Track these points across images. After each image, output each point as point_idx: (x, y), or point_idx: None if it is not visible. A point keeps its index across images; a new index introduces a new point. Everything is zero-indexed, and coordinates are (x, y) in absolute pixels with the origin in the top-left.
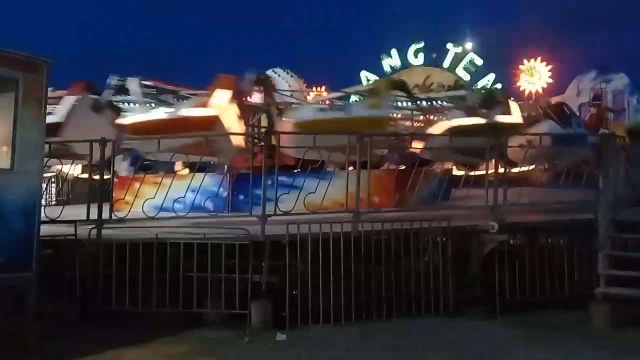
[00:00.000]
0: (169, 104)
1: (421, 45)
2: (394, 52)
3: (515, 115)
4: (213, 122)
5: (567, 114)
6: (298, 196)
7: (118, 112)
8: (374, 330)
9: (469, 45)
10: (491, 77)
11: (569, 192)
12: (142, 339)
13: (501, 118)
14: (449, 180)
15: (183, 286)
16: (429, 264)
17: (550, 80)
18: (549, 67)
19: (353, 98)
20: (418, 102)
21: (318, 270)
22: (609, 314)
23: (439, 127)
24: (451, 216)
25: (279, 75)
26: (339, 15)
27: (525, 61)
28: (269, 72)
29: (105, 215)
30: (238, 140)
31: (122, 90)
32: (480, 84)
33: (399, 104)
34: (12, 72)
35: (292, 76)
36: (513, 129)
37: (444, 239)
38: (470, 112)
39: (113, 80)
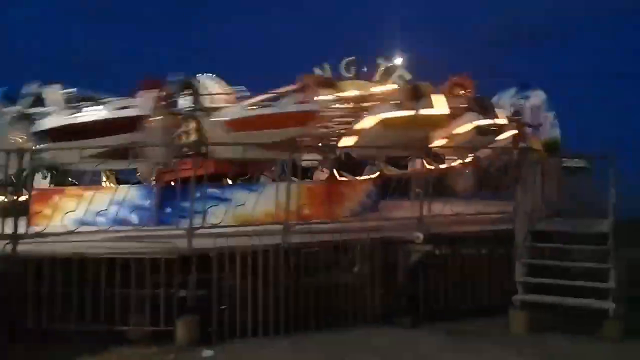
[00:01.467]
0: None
1: (352, 58)
2: (326, 65)
3: (440, 107)
4: (138, 123)
5: (490, 106)
6: (227, 209)
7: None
8: (303, 341)
9: (398, 59)
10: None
11: (490, 203)
12: (62, 358)
13: (427, 110)
14: (377, 191)
15: (105, 303)
16: (357, 275)
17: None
18: (472, 82)
19: None
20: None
21: (247, 283)
22: (527, 319)
23: (368, 121)
24: (379, 227)
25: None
26: (274, 24)
27: (449, 77)
28: (203, 77)
29: (22, 229)
30: (162, 151)
31: (40, 100)
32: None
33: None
34: None
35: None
36: (439, 121)
37: (372, 250)
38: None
39: (30, 89)
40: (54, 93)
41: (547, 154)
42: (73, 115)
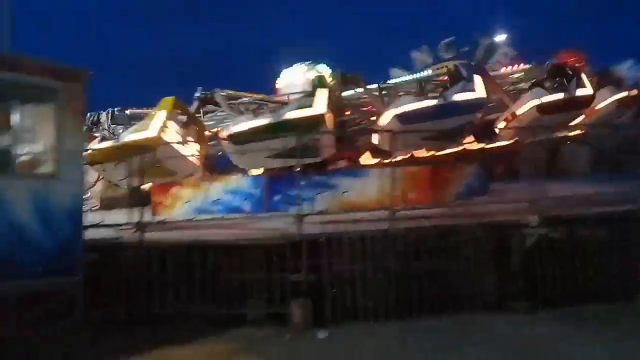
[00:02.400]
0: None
1: (452, 39)
2: (425, 47)
3: (588, 87)
4: (318, 122)
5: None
6: (333, 195)
7: (202, 125)
8: (414, 327)
9: (501, 37)
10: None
11: (609, 184)
12: (186, 339)
13: (580, 92)
14: (484, 174)
15: (224, 287)
16: (469, 260)
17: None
18: (583, 56)
19: None
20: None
21: (356, 268)
22: None
23: (525, 107)
24: (489, 211)
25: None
26: (370, 9)
27: (558, 52)
28: (303, 66)
29: (147, 219)
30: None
31: (206, 102)
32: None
33: None
34: (53, 82)
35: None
36: (588, 102)
37: (483, 234)
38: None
39: (198, 93)
40: (224, 98)
41: None
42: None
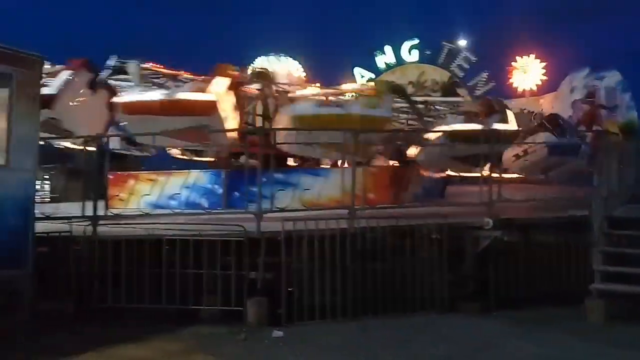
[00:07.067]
0: (166, 88)
1: (415, 42)
2: (387, 48)
3: (511, 123)
4: (210, 108)
5: (561, 124)
6: (294, 193)
7: (113, 92)
8: (370, 326)
9: (462, 42)
10: (484, 75)
11: (564, 189)
12: (137, 335)
13: (498, 125)
14: (444, 177)
15: (179, 283)
16: (424, 261)
17: (544, 77)
18: (542, 64)
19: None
20: (416, 106)
21: (314, 266)
22: (603, 309)
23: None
24: (446, 213)
25: (279, 60)
26: (331, 10)
27: (518, 58)
28: (273, 58)
29: (100, 212)
30: (232, 132)
31: (121, 71)
32: (474, 81)
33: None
34: (6, 67)
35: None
36: (509, 137)
37: (439, 235)
38: (467, 118)
39: (112, 61)
40: (134, 67)
41: (624, 138)
42: (146, 94)
